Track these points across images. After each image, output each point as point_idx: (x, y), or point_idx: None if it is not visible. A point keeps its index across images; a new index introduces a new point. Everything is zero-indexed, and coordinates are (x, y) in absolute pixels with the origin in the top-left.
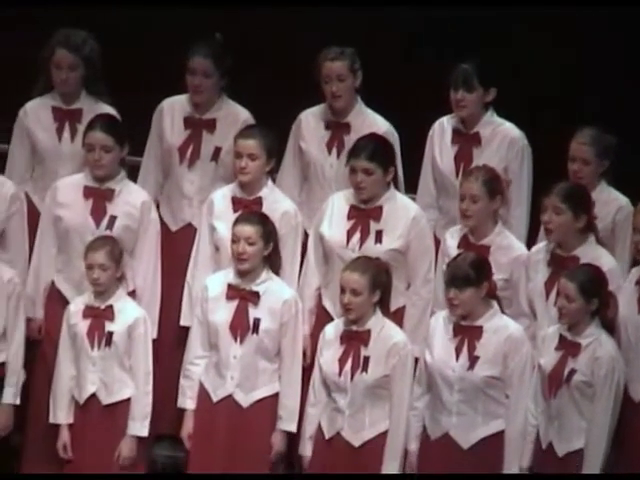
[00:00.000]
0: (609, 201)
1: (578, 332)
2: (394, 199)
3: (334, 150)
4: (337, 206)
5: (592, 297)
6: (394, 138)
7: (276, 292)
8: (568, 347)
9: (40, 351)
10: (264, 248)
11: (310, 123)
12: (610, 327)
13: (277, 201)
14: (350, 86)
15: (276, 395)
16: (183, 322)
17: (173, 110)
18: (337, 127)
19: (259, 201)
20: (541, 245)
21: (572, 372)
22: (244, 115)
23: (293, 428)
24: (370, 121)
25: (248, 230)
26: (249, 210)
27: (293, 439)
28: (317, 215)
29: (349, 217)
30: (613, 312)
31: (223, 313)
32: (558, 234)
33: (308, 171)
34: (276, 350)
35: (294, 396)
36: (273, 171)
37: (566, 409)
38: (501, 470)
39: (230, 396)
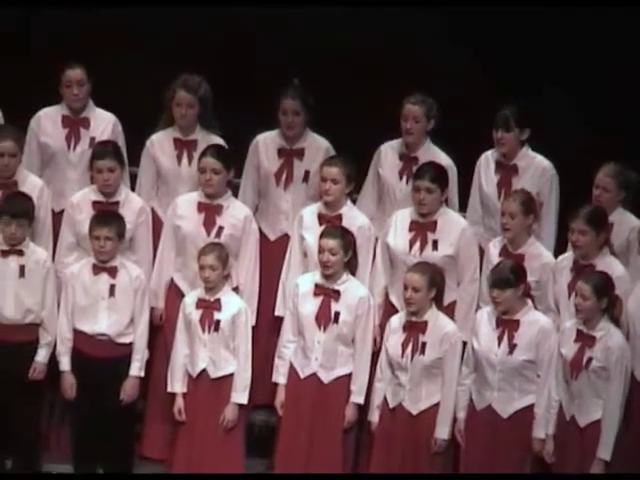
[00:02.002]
0: (625, 222)
1: (592, 326)
2: (446, 214)
3: (404, 177)
4: (400, 220)
5: (603, 297)
6: (453, 171)
7: (353, 290)
8: (585, 339)
9: (160, 334)
10: (344, 256)
11: (388, 154)
12: (616, 322)
13: (354, 217)
14: (422, 128)
15: (351, 374)
16: (277, 312)
17: (267, 144)
18: (408, 159)
19: (340, 217)
20: (566, 255)
21: (590, 360)
22: (325, 144)
23: (361, 401)
24: (435, 156)
25: (331, 243)
26: (332, 224)
27: (363, 408)
28: (384, 228)
29: (410, 229)
30: (619, 311)
31: (310, 306)
32: (583, 250)
33: (382, 193)
34: (352, 337)
35: (364, 375)
36: (352, 192)
37: (585, 389)
38: (532, 435)
39: (314, 374)
